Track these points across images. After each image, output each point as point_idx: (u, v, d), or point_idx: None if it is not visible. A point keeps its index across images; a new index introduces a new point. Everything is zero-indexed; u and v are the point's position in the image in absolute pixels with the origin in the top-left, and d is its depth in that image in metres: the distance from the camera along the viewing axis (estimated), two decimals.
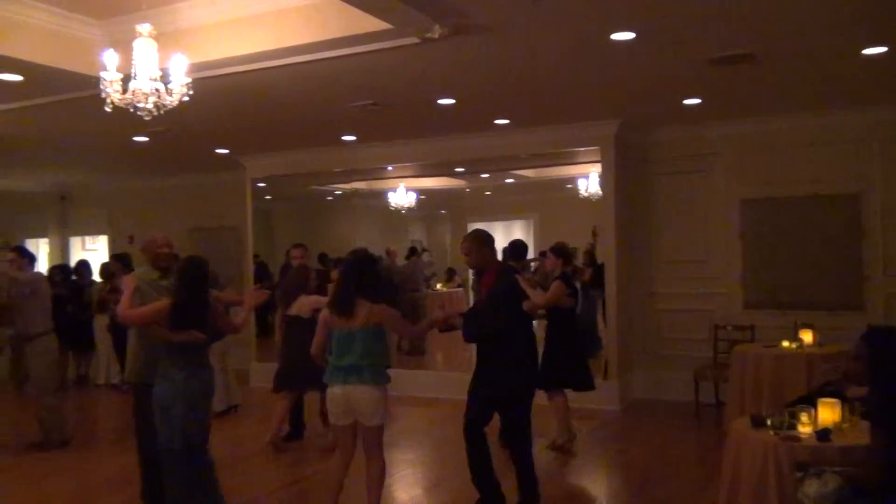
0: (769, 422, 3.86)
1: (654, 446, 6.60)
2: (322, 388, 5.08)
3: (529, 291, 5.93)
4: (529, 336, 4.99)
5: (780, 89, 6.60)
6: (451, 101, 6.77)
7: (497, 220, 11.12)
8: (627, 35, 4.90)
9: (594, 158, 8.24)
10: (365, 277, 4.37)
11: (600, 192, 8.40)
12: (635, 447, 6.60)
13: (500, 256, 5.49)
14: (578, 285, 8.28)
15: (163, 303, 4.38)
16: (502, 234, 10.57)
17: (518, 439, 4.83)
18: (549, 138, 8.21)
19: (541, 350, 5.52)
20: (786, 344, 6.44)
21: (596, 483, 6.01)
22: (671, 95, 6.77)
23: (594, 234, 8.71)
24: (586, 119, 7.71)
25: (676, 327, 8.25)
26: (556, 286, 6.12)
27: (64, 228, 13.75)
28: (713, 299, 8.10)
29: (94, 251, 13.71)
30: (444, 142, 8.66)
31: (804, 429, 3.77)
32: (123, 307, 4.52)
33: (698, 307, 8.13)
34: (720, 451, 4.46)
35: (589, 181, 9.30)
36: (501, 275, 4.82)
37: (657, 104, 7.19)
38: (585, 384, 6.41)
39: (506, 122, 7.83)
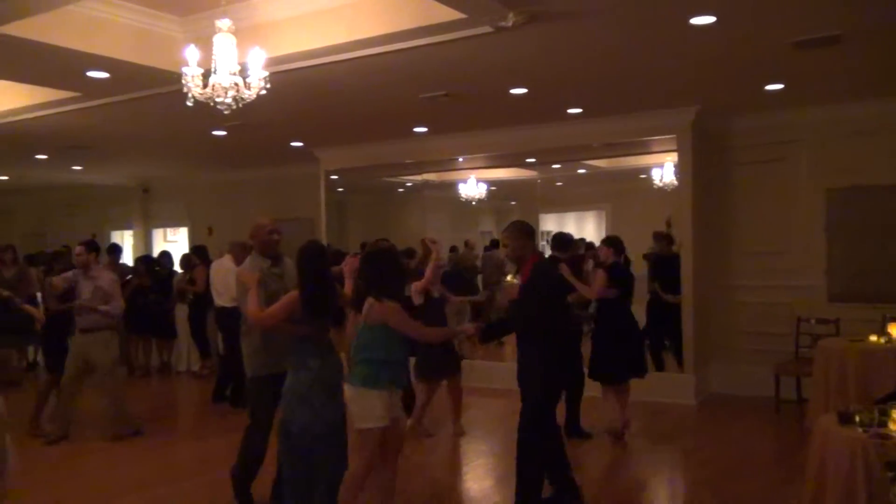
0: (857, 419, 3.72)
1: (732, 442, 6.42)
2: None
3: (577, 284, 6.05)
4: (568, 329, 4.88)
5: (868, 73, 6.31)
6: (523, 91, 6.72)
7: (569, 210, 10.97)
8: (707, 19, 4.77)
9: (670, 147, 8.05)
10: (372, 272, 4.13)
11: (675, 182, 8.22)
12: (711, 443, 6.43)
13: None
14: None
15: (292, 296, 4.17)
16: (574, 226, 10.47)
17: (528, 436, 4.54)
18: (624, 127, 8.06)
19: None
20: (873, 338, 6.18)
21: (669, 479, 5.89)
22: (752, 81, 6.55)
23: (668, 224, 8.56)
24: (662, 107, 7.54)
25: (755, 320, 8.00)
26: (596, 275, 6.20)
27: (147, 220, 14.26)
28: (795, 292, 7.82)
29: (174, 242, 14.21)
30: (516, 132, 8.61)
31: (895, 426, 3.62)
32: (254, 309, 4.19)
33: (779, 300, 7.87)
34: (802, 449, 4.32)
35: (664, 171, 9.09)
36: (538, 267, 4.67)
37: (737, 90, 6.96)
38: (634, 372, 6.40)
39: (579, 111, 7.72)
